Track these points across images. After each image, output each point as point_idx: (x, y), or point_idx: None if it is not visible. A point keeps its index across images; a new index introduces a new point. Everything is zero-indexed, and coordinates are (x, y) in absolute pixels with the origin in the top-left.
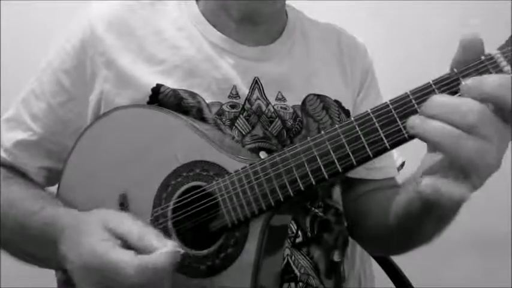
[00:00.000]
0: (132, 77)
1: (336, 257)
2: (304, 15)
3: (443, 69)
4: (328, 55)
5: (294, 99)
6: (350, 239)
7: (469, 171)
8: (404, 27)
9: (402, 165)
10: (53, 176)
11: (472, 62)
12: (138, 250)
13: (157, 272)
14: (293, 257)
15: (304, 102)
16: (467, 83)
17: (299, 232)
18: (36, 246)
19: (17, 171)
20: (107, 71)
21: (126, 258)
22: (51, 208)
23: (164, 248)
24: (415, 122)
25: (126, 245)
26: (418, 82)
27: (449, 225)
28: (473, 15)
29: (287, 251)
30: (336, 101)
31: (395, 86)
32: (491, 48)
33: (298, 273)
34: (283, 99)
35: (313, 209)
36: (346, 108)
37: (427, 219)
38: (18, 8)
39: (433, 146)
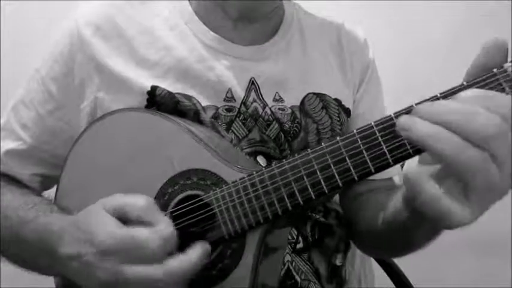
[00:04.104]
0: (126, 81)
1: (337, 261)
2: (301, 7)
3: (445, 69)
4: (327, 50)
5: (292, 100)
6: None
7: (467, 185)
8: (406, 27)
9: (402, 165)
10: (48, 181)
11: (484, 74)
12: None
13: (174, 240)
14: (293, 263)
15: (303, 102)
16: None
17: (299, 238)
18: (32, 255)
19: (11, 178)
20: (98, 77)
21: (148, 234)
22: (44, 216)
23: (162, 222)
24: (406, 122)
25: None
26: (421, 83)
27: (439, 235)
28: (473, 15)
29: (287, 257)
30: (336, 100)
31: (397, 87)
32: None
33: (298, 279)
34: (280, 100)
35: (313, 215)
36: (346, 106)
37: (414, 229)
38: (19, 8)
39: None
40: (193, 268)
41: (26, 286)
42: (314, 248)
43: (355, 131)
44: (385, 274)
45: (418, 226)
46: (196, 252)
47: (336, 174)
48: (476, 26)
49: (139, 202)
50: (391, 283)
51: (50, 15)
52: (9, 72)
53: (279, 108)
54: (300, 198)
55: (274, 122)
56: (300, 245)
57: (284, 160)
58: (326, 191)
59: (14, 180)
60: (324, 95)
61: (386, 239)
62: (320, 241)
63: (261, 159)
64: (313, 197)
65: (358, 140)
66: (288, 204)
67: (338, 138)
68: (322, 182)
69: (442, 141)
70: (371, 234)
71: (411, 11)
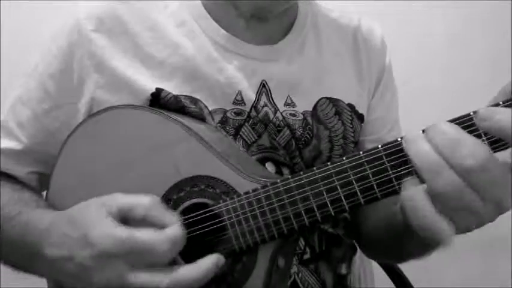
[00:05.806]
0: (129, 80)
1: (343, 270)
2: (316, 4)
3: (444, 68)
4: (342, 50)
5: (304, 105)
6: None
7: (446, 209)
8: (406, 25)
9: None
10: (47, 179)
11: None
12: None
13: (182, 243)
14: (300, 275)
15: (315, 107)
16: (479, 112)
17: (307, 248)
18: (16, 253)
19: (7, 175)
20: (98, 75)
21: (155, 236)
22: (27, 213)
23: (173, 221)
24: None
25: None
26: (420, 82)
27: (432, 250)
28: (473, 15)
29: (294, 269)
30: (350, 105)
31: (396, 85)
32: (490, 49)
33: None
34: (292, 104)
35: (321, 226)
36: (360, 112)
37: (408, 239)
38: (19, 8)
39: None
40: (203, 279)
41: (26, 286)
42: (321, 258)
43: (380, 146)
44: (385, 274)
45: (411, 235)
46: (207, 263)
47: (358, 192)
48: (477, 26)
49: (144, 201)
50: (391, 283)
51: (50, 14)
52: (8, 71)
53: (290, 114)
54: (318, 215)
55: (285, 128)
56: (307, 256)
57: (302, 173)
58: (347, 209)
59: (9, 177)
60: (338, 100)
61: (387, 243)
62: (327, 251)
63: (269, 166)
64: (333, 214)
65: (384, 157)
66: (306, 220)
67: (361, 153)
68: (343, 199)
69: (423, 160)
70: (375, 238)
71: (411, 10)
